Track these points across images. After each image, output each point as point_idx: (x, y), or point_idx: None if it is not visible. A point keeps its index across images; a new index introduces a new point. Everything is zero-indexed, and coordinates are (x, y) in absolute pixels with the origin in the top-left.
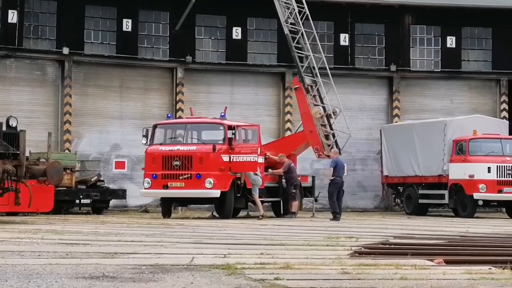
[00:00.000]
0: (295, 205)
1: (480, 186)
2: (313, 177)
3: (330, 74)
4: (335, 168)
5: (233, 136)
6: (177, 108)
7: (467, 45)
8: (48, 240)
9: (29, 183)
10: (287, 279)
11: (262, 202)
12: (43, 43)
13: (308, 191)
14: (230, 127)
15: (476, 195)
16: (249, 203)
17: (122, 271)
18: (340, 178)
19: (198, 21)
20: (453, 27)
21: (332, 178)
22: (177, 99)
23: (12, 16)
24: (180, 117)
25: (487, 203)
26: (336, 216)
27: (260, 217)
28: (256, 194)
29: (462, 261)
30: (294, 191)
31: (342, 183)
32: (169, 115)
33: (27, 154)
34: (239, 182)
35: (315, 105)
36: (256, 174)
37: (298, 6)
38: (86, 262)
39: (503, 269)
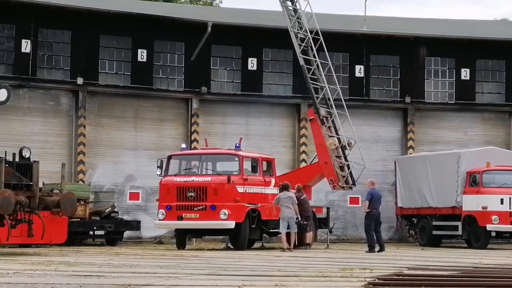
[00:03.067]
0: (309, 236)
1: (493, 217)
2: (328, 208)
3: (345, 106)
4: (370, 200)
5: (248, 167)
6: (192, 139)
7: (481, 77)
8: (61, 272)
9: (43, 215)
10: None
11: (278, 233)
12: (57, 73)
13: (323, 222)
14: (245, 158)
15: (489, 227)
16: (264, 234)
17: None
18: (376, 210)
19: (213, 51)
20: (467, 60)
21: (368, 210)
22: (192, 130)
23: (26, 46)
24: (195, 148)
25: (500, 235)
26: (372, 249)
27: (286, 250)
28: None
29: None
30: (305, 222)
31: (378, 215)
32: (183, 146)
33: (40, 185)
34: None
35: (330, 136)
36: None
37: (313, 37)
38: None
39: None
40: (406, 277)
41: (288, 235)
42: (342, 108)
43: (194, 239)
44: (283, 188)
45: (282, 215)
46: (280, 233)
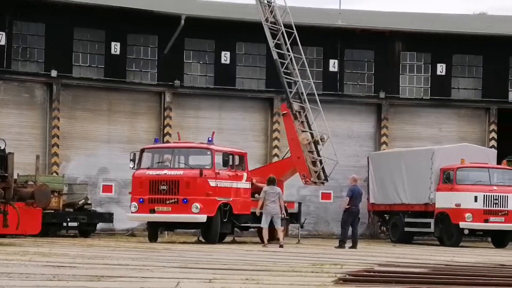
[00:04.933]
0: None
1: (466, 215)
2: (300, 204)
3: (318, 100)
4: (351, 197)
5: (220, 161)
6: (165, 132)
7: (458, 72)
8: (35, 262)
9: (17, 206)
10: None
11: (249, 228)
12: (31, 65)
13: (294, 218)
14: (217, 152)
15: (462, 224)
16: (235, 229)
17: None
18: (356, 207)
19: (186, 45)
20: (443, 54)
21: (347, 206)
22: (165, 124)
23: (0, 38)
24: (167, 142)
25: (473, 232)
26: (342, 245)
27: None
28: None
29: None
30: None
31: (357, 212)
32: (156, 139)
33: (15, 176)
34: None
35: (302, 131)
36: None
37: (287, 31)
38: (73, 285)
39: None
40: (377, 273)
41: (271, 230)
42: (315, 103)
43: (166, 232)
44: (270, 182)
45: (266, 210)
46: (251, 228)
